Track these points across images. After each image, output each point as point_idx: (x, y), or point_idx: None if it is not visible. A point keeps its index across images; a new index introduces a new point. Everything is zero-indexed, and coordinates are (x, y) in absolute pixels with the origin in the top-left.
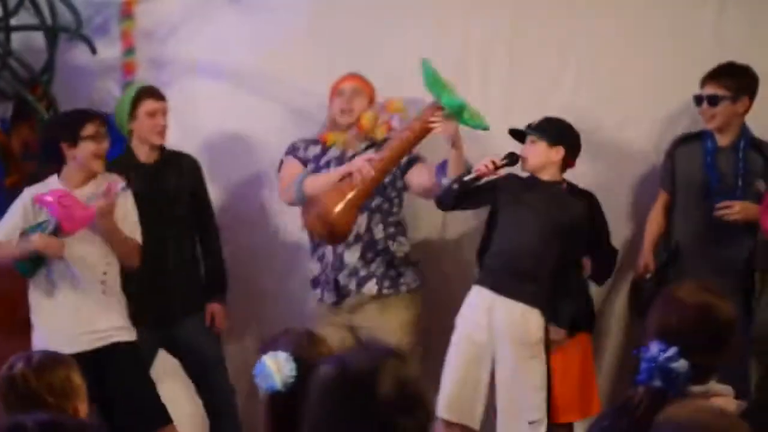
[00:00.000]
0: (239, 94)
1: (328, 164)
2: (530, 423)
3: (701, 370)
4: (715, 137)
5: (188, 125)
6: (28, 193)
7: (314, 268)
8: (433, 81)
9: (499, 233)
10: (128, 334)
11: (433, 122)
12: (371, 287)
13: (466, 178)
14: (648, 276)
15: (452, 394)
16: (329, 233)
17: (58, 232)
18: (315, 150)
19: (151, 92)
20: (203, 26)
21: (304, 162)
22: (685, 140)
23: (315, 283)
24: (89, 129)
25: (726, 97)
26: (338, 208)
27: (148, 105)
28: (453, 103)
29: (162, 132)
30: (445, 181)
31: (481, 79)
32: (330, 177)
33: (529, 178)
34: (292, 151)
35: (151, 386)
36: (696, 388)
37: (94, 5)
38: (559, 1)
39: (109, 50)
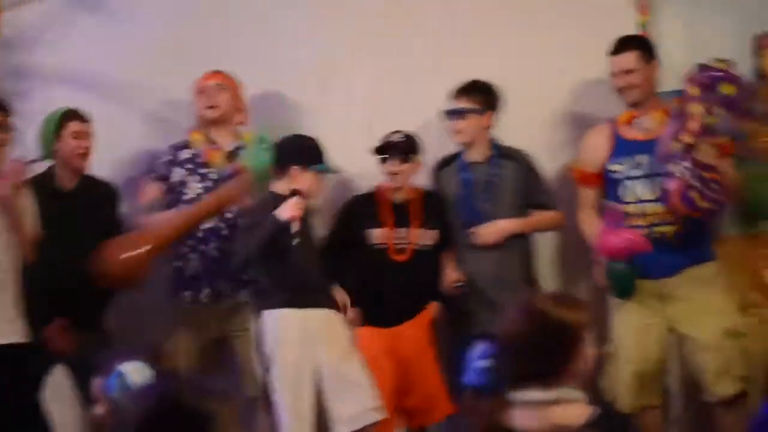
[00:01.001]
0: (101, 102)
1: (206, 165)
2: (373, 409)
3: (549, 377)
4: (465, 157)
5: None
6: None
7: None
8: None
9: (283, 260)
10: (21, 335)
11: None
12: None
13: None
14: (459, 285)
15: (293, 425)
16: (110, 276)
17: None
18: (187, 153)
19: (77, 114)
20: (65, 35)
21: (167, 176)
22: (445, 163)
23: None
24: None
25: (475, 110)
26: (125, 255)
27: (74, 126)
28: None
29: (85, 154)
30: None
31: (345, 88)
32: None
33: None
34: (152, 169)
35: (35, 397)
36: (546, 395)
37: None
38: (433, 11)
39: None
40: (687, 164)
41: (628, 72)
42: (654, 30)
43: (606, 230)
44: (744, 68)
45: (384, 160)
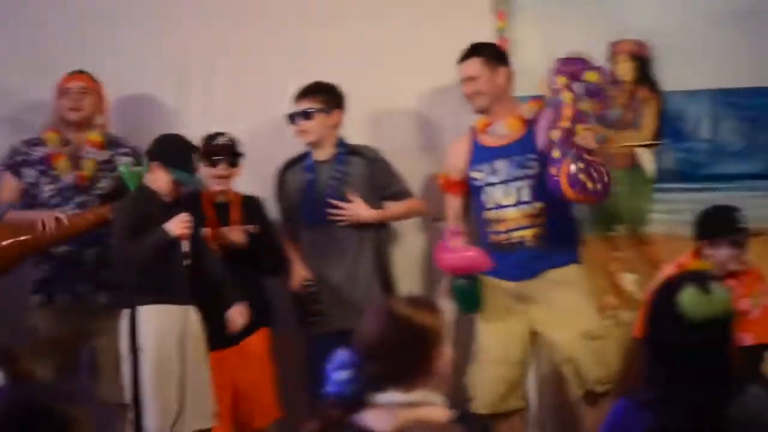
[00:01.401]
0: None
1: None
2: (211, 415)
3: (406, 380)
4: (312, 155)
5: None
6: None
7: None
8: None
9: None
10: None
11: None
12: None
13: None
14: (307, 283)
15: (159, 420)
16: None
17: None
18: (40, 152)
19: None
20: None
21: (19, 169)
22: (291, 163)
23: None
24: None
25: (320, 110)
26: (3, 243)
27: None
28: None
29: None
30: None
31: (203, 89)
32: (27, 216)
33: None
34: (10, 165)
35: None
36: (404, 398)
37: None
38: (289, 12)
39: None
40: (570, 149)
41: (472, 79)
42: (511, 35)
43: (444, 248)
44: None
45: (213, 164)
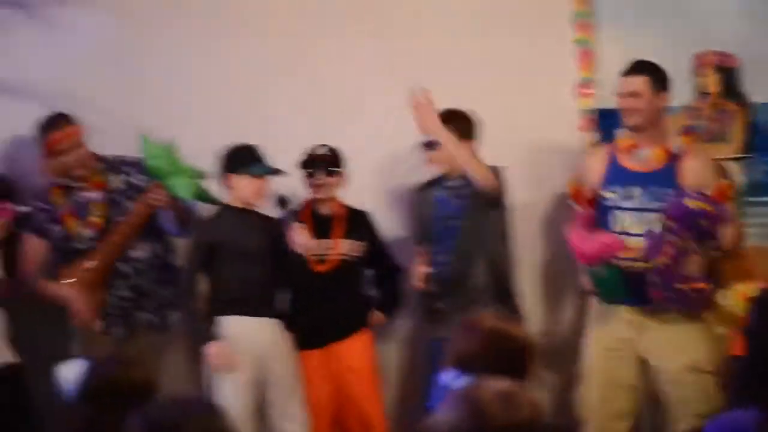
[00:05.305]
0: (41, 113)
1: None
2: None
3: None
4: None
5: None
6: None
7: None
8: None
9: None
10: None
11: (156, 201)
12: None
13: None
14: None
15: None
16: None
17: None
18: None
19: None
20: (2, 44)
21: (44, 229)
22: (427, 186)
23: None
24: None
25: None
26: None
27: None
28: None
29: None
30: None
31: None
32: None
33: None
34: (33, 227)
35: None
36: None
37: None
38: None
39: None
40: (664, 281)
41: (635, 95)
42: (597, 49)
43: (579, 236)
44: (684, 87)
45: (310, 174)
